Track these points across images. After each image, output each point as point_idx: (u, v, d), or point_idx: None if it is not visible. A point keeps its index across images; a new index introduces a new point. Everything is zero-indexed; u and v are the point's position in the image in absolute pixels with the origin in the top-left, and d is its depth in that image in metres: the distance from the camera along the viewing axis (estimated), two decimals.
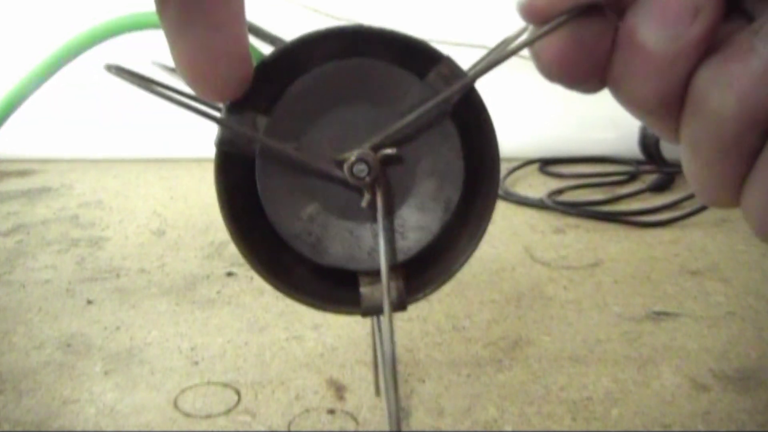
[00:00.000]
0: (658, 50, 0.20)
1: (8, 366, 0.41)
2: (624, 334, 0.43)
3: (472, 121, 0.24)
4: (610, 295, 0.49)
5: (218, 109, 0.23)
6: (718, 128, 0.19)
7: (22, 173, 0.89)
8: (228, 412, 0.36)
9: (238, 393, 0.38)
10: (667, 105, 0.20)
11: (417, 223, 0.24)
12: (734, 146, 0.19)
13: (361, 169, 0.22)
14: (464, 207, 0.25)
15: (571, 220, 0.67)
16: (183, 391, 0.38)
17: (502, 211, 0.70)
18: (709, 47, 0.19)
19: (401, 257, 0.24)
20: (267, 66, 0.23)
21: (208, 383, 0.39)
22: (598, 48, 0.20)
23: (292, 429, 0.35)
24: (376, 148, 0.23)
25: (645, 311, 0.46)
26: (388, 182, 0.24)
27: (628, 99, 0.21)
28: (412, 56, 0.23)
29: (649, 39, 0.20)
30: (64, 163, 0.93)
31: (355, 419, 0.35)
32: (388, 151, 0.23)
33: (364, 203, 0.24)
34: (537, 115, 0.93)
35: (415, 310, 0.46)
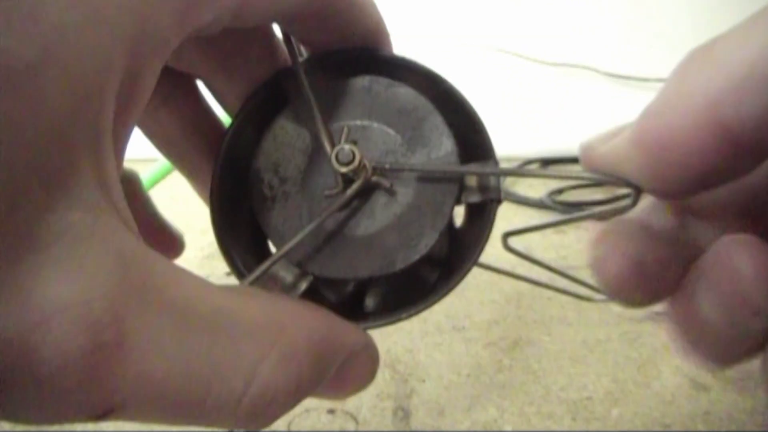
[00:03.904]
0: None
1: None
2: (624, 334, 0.43)
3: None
4: None
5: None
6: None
7: None
8: None
9: None
10: None
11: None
12: None
13: (347, 155, 0.22)
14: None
15: None
16: None
17: (502, 211, 0.69)
18: None
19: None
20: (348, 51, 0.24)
21: None
22: (662, 276, 0.19)
23: (291, 429, 0.35)
24: (376, 167, 0.23)
25: (645, 311, 0.46)
26: (364, 197, 0.23)
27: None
28: (472, 131, 0.24)
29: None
30: None
31: (355, 419, 0.35)
32: (386, 166, 0.23)
33: (329, 191, 0.23)
34: (537, 115, 0.93)
35: None
